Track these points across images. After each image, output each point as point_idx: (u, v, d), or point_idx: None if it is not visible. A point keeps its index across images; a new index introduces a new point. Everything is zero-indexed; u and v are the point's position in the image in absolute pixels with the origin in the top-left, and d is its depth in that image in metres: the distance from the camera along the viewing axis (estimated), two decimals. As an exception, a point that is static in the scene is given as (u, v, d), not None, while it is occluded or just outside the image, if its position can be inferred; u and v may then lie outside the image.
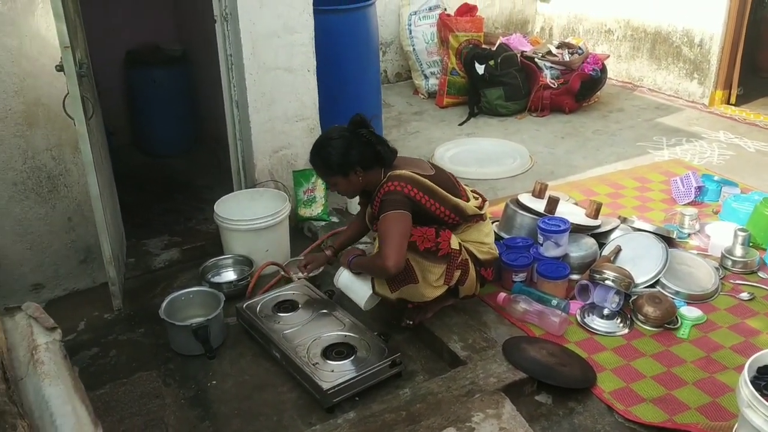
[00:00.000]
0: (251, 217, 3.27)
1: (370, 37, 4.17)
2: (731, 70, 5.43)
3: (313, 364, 2.53)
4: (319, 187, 3.67)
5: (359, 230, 3.06)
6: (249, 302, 2.93)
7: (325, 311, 2.84)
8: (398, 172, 2.64)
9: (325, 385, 2.41)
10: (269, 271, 3.29)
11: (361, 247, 3.10)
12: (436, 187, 2.67)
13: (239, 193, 3.59)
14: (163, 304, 2.87)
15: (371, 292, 2.71)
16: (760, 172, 4.27)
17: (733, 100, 5.51)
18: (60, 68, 2.63)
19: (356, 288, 2.78)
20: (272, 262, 3.25)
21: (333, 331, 2.71)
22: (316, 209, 3.69)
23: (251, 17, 3.33)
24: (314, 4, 3.55)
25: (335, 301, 2.97)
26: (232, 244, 3.35)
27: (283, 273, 3.24)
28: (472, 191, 2.94)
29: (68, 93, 2.67)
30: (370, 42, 4.20)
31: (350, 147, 2.65)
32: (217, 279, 3.26)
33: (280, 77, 3.50)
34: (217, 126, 4.15)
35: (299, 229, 3.73)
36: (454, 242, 2.69)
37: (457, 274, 2.70)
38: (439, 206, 2.67)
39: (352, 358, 2.57)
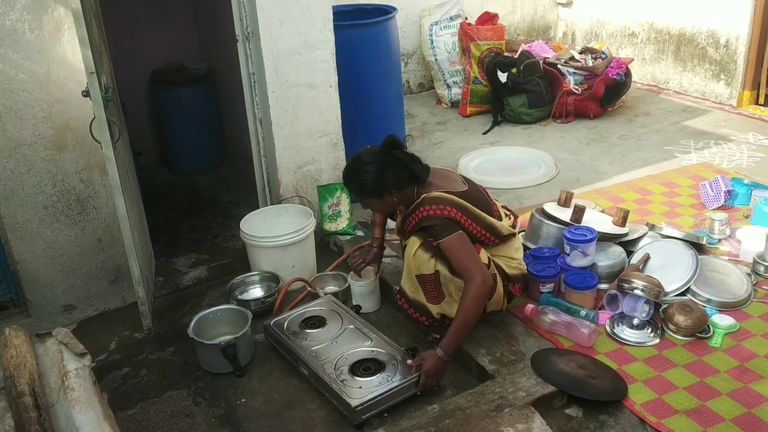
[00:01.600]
0: (277, 234, 3.29)
1: (391, 49, 4.18)
2: (759, 70, 5.34)
3: (341, 381, 2.54)
4: (344, 201, 3.68)
5: (385, 216, 3.07)
6: (276, 319, 2.95)
7: (352, 327, 2.85)
8: (434, 194, 2.63)
9: (354, 402, 2.41)
10: (296, 287, 3.30)
11: (386, 260, 3.11)
12: (470, 206, 2.66)
13: (265, 209, 3.62)
14: (192, 323, 2.90)
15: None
16: (791, 173, 4.19)
17: (761, 100, 5.42)
18: (86, 94, 2.68)
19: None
20: (299, 278, 3.27)
21: (360, 347, 2.71)
22: (342, 223, 3.71)
23: (272, 36, 3.36)
24: (334, 20, 3.58)
25: (362, 315, 2.97)
26: (258, 260, 3.37)
27: (309, 289, 3.25)
28: (503, 207, 2.93)
29: (95, 117, 2.72)
30: (391, 55, 4.21)
31: (385, 170, 2.63)
32: (244, 296, 3.29)
33: (302, 94, 3.53)
34: (242, 143, 4.19)
35: (325, 243, 3.75)
36: (483, 255, 2.69)
37: None
38: (476, 226, 2.66)
39: (380, 374, 2.56)
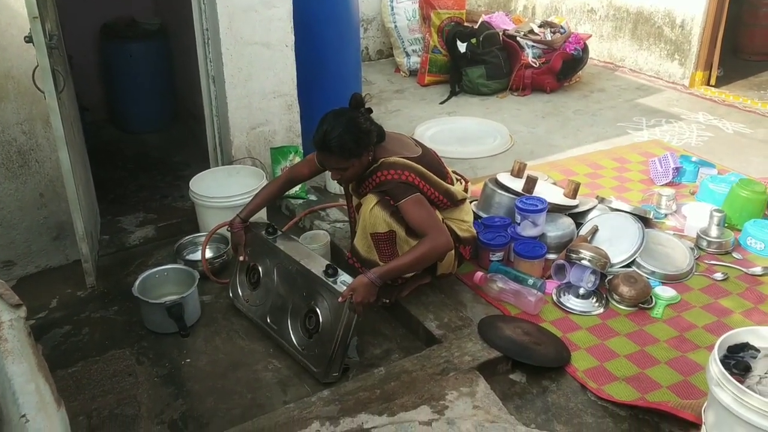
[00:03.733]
0: (227, 195, 3.23)
1: (349, 13, 4.11)
2: (712, 52, 5.44)
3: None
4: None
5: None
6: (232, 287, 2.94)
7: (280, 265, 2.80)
8: (392, 159, 2.60)
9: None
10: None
11: (338, 225, 3.08)
12: (427, 171, 2.65)
13: (216, 169, 3.55)
14: (137, 282, 2.84)
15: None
16: (737, 153, 4.29)
17: (713, 81, 5.53)
18: (29, 39, 2.57)
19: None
20: (221, 225, 3.16)
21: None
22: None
23: (227, -10, 3.27)
24: (293, -21, 3.50)
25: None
26: (207, 221, 3.31)
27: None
28: (453, 172, 2.93)
29: (38, 65, 2.61)
30: (350, 18, 4.13)
31: (361, 125, 2.56)
32: (192, 257, 3.23)
33: (257, 52, 3.45)
34: (193, 102, 4.09)
35: (277, 207, 3.70)
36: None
37: None
38: (433, 191, 2.67)
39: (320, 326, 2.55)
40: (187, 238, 3.29)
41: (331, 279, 2.52)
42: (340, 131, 2.51)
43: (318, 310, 2.55)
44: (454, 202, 2.78)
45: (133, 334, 2.82)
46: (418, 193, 2.58)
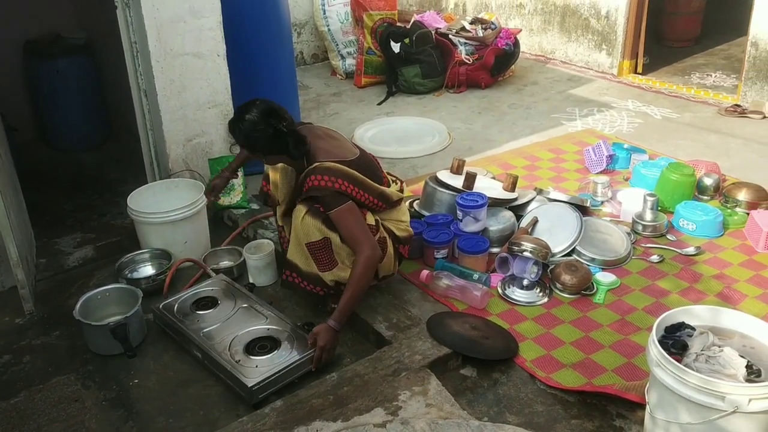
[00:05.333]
0: (167, 209, 3.18)
1: (281, 18, 4.08)
2: (636, 41, 5.61)
3: (236, 361, 2.49)
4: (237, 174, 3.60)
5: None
6: (166, 302, 2.85)
7: (245, 305, 2.80)
8: (327, 164, 2.59)
9: (250, 382, 2.38)
10: (189, 265, 3.21)
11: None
12: (362, 177, 2.65)
13: (153, 184, 3.49)
14: (78, 304, 2.77)
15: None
16: (666, 138, 4.44)
17: (639, 69, 5.70)
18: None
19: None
20: (188, 259, 3.18)
21: (255, 326, 2.67)
22: (235, 197, 3.63)
23: (154, 2, 3.22)
24: (221, -14, 3.47)
25: (256, 293, 2.92)
26: (148, 238, 3.25)
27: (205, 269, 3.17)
28: (388, 174, 2.95)
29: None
30: (281, 24, 4.11)
31: (255, 133, 2.55)
32: (134, 275, 3.17)
33: (189, 63, 3.41)
34: (127, 116, 4.01)
35: (219, 218, 3.66)
36: (370, 218, 2.69)
37: None
38: (367, 195, 2.67)
39: (276, 351, 2.53)
40: (127, 256, 3.22)
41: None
42: (248, 125, 2.55)
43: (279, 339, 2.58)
44: (390, 204, 2.79)
45: (77, 358, 2.75)
46: (350, 201, 2.58)
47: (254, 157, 2.73)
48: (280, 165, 2.78)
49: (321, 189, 2.55)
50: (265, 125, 2.55)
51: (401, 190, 2.90)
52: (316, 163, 2.60)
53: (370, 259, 2.55)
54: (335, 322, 2.54)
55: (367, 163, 2.74)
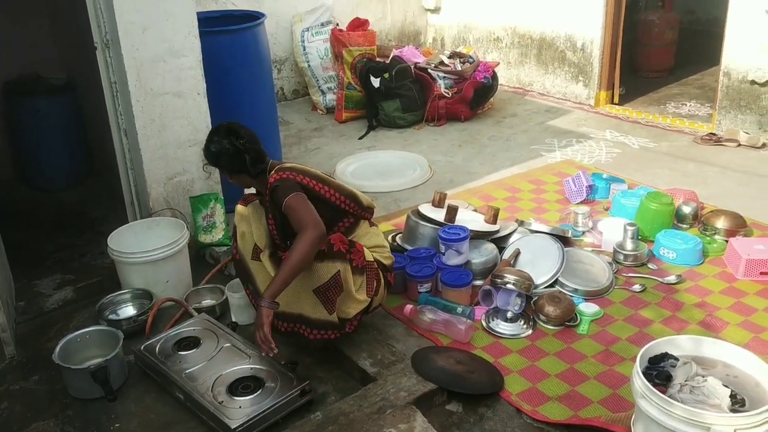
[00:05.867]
0: (147, 249, 3.16)
1: (261, 56, 4.13)
2: (612, 72, 5.71)
3: (219, 402, 2.45)
4: (218, 211, 3.59)
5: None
6: (147, 344, 2.81)
7: (228, 345, 2.77)
8: (288, 164, 2.73)
9: (233, 423, 2.34)
10: (171, 304, 3.18)
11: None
12: (328, 177, 2.77)
13: (134, 223, 3.47)
14: (57, 348, 2.72)
15: None
16: (644, 167, 4.50)
17: (616, 99, 5.80)
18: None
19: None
20: (169, 298, 3.15)
21: (238, 365, 2.63)
22: (217, 234, 3.61)
23: (134, 43, 3.23)
24: (202, 26, 3.49)
25: (239, 332, 2.90)
26: (129, 278, 3.22)
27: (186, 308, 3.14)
28: None
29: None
30: (261, 61, 4.15)
31: (218, 150, 2.70)
32: (114, 316, 3.12)
33: (169, 102, 3.41)
34: (108, 155, 4.00)
35: (201, 256, 3.64)
36: (368, 255, 2.74)
37: (375, 284, 2.75)
38: (334, 192, 2.73)
39: (259, 391, 2.50)
40: (108, 297, 3.18)
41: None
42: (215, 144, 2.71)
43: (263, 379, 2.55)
44: (362, 207, 2.84)
45: (56, 403, 2.70)
46: (301, 193, 2.60)
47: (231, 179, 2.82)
48: (248, 212, 2.82)
49: (282, 181, 2.62)
50: (226, 143, 2.69)
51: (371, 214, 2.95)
52: (278, 166, 2.71)
53: (314, 239, 2.52)
54: (267, 301, 2.52)
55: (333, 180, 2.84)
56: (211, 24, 3.92)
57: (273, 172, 2.68)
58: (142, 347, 2.79)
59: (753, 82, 4.70)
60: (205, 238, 3.59)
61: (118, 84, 3.34)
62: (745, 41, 4.69)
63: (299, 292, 2.65)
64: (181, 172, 3.55)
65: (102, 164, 4.59)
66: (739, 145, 4.72)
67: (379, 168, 4.74)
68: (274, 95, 4.50)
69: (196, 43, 3.43)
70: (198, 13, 3.53)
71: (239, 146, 2.68)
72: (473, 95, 5.50)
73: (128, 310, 3.19)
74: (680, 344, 2.12)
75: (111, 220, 3.98)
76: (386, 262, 2.86)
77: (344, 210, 2.77)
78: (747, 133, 4.76)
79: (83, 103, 4.68)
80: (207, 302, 3.23)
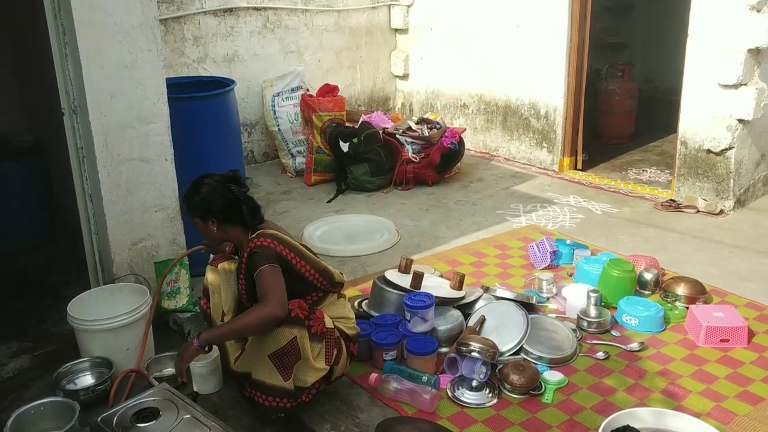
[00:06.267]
0: (109, 316, 3.11)
1: (229, 121, 4.17)
2: (575, 139, 5.86)
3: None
4: (183, 277, 3.56)
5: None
6: (104, 415, 2.72)
7: (188, 417, 2.70)
8: (269, 231, 2.70)
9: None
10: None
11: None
12: (304, 249, 2.75)
13: (96, 290, 3.41)
14: (9, 421, 2.63)
15: None
16: (607, 233, 4.59)
17: (579, 165, 5.94)
18: None
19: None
20: (130, 370, 3.08)
21: (198, 437, 2.58)
22: (181, 300, 3.57)
23: (102, 109, 3.25)
24: (172, 92, 3.54)
25: (200, 402, 2.84)
26: (89, 345, 3.16)
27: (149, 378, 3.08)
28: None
29: None
30: (230, 126, 4.19)
31: (214, 193, 2.72)
32: (72, 386, 3.04)
33: (135, 168, 3.42)
34: (73, 219, 3.96)
35: (164, 322, 3.59)
36: (328, 321, 2.72)
37: (335, 352, 2.71)
38: (309, 268, 2.72)
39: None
40: (66, 365, 3.10)
41: None
42: (195, 188, 2.77)
43: None
44: (333, 283, 2.83)
45: (7, 479, 2.60)
46: (276, 266, 2.60)
47: (205, 234, 2.80)
48: (217, 279, 2.81)
49: (263, 248, 2.61)
50: (224, 189, 2.71)
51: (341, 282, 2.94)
52: (260, 231, 2.70)
53: (269, 316, 2.52)
54: (200, 342, 2.58)
55: (306, 249, 2.82)
56: (181, 90, 3.97)
57: (254, 235, 2.68)
58: (99, 419, 2.71)
59: (709, 151, 4.86)
60: (168, 304, 3.54)
61: (84, 149, 3.35)
62: (699, 112, 4.87)
63: (257, 358, 2.64)
64: (146, 237, 3.53)
65: (67, 228, 4.54)
66: (698, 211, 4.85)
67: (347, 232, 4.76)
68: (243, 159, 4.54)
69: (165, 109, 3.46)
70: (168, 79, 3.59)
71: (238, 194, 2.70)
72: (440, 160, 5.60)
73: (86, 380, 3.11)
74: (641, 417, 2.13)
75: (74, 284, 3.91)
76: (350, 332, 2.85)
77: (315, 285, 2.77)
78: (705, 199, 4.90)
79: (50, 166, 4.67)
80: (168, 371, 3.17)
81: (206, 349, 2.63)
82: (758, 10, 4.46)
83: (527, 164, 6.14)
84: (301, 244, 2.80)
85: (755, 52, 4.57)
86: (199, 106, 3.96)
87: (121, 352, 3.12)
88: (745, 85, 4.61)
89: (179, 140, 3.59)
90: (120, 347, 3.12)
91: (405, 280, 3.44)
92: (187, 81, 4.43)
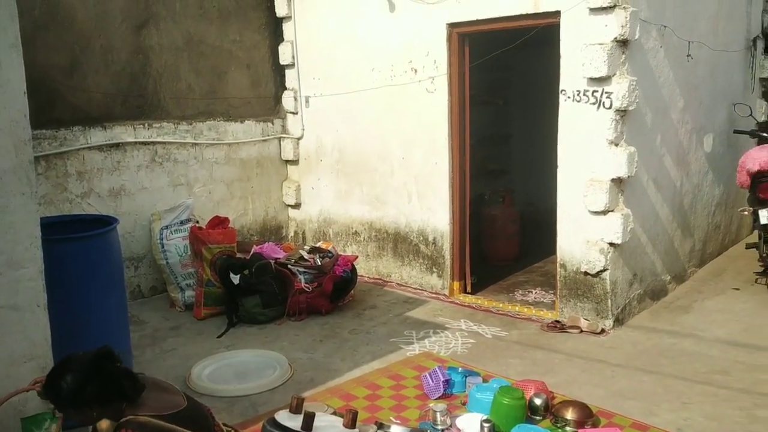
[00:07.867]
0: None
1: (110, 260, 4.04)
2: (463, 263, 6.05)
3: None
4: (54, 432, 3.29)
5: None
6: None
7: None
8: (141, 419, 2.45)
9: None
10: None
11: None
12: (183, 429, 2.51)
13: (-48, 454, 3.10)
14: None
15: None
16: (497, 357, 4.67)
17: (469, 288, 6.10)
18: None
19: None
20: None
21: None
22: (52, 459, 3.28)
23: (-32, 257, 3.08)
24: (50, 233, 3.41)
25: None
26: None
27: None
28: (224, 424, 2.85)
29: None
30: (111, 265, 4.05)
31: (87, 382, 2.48)
32: None
33: (4, 316, 3.21)
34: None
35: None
36: None
37: None
38: None
39: None
40: None
41: None
42: (58, 379, 2.51)
43: None
44: None
45: None
46: None
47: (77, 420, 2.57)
48: None
49: None
50: (92, 370, 2.49)
51: None
52: (129, 417, 2.45)
53: None
54: None
55: (193, 416, 2.63)
56: (59, 230, 3.86)
57: (123, 421, 2.44)
58: None
59: (586, 273, 5.13)
60: (37, 464, 3.25)
61: (-54, 300, 3.13)
62: (574, 236, 5.17)
63: None
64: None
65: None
66: (581, 331, 5.04)
67: (238, 369, 4.60)
68: (125, 298, 4.36)
69: (39, 253, 3.32)
70: (46, 219, 3.47)
71: (113, 370, 2.50)
72: (333, 289, 5.61)
73: None
74: None
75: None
76: None
77: None
78: (587, 319, 5.12)
79: None
80: None
81: None
82: (616, 144, 4.89)
83: (419, 289, 6.24)
84: (182, 406, 2.60)
85: (618, 181, 4.97)
86: (77, 247, 3.84)
87: None
88: (612, 211, 4.97)
89: (54, 284, 3.43)
90: None
91: (296, 422, 3.31)
92: (67, 219, 4.31)
